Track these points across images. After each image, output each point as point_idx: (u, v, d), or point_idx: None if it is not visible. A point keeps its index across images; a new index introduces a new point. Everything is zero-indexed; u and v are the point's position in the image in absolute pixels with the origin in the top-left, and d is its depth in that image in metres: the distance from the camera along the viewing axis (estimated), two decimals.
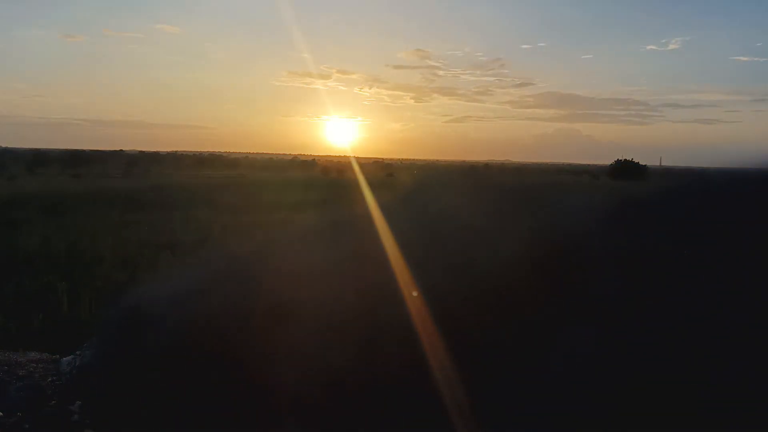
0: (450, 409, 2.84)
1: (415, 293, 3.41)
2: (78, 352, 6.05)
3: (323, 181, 46.34)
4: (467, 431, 2.69)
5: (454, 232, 3.91)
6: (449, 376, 2.88)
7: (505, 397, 2.74)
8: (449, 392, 2.83)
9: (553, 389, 2.64)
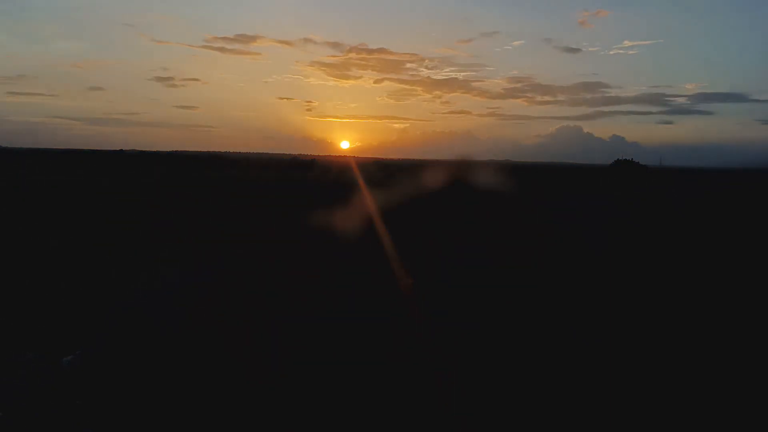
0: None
1: (410, 281, 5.23)
2: (78, 352, 6.08)
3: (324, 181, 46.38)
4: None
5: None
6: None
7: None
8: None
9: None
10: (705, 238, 15.87)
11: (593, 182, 51.50)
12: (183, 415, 4.61)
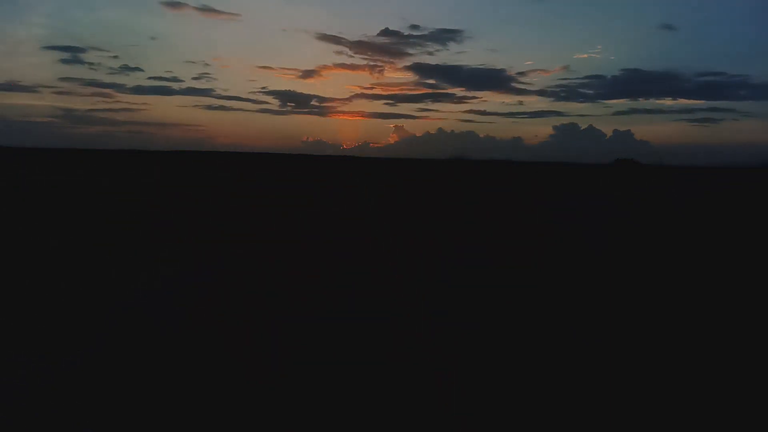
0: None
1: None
2: (78, 352, 6.09)
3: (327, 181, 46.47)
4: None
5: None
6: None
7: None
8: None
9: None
10: (705, 237, 15.87)
11: (595, 182, 51.56)
12: (183, 415, 4.61)
